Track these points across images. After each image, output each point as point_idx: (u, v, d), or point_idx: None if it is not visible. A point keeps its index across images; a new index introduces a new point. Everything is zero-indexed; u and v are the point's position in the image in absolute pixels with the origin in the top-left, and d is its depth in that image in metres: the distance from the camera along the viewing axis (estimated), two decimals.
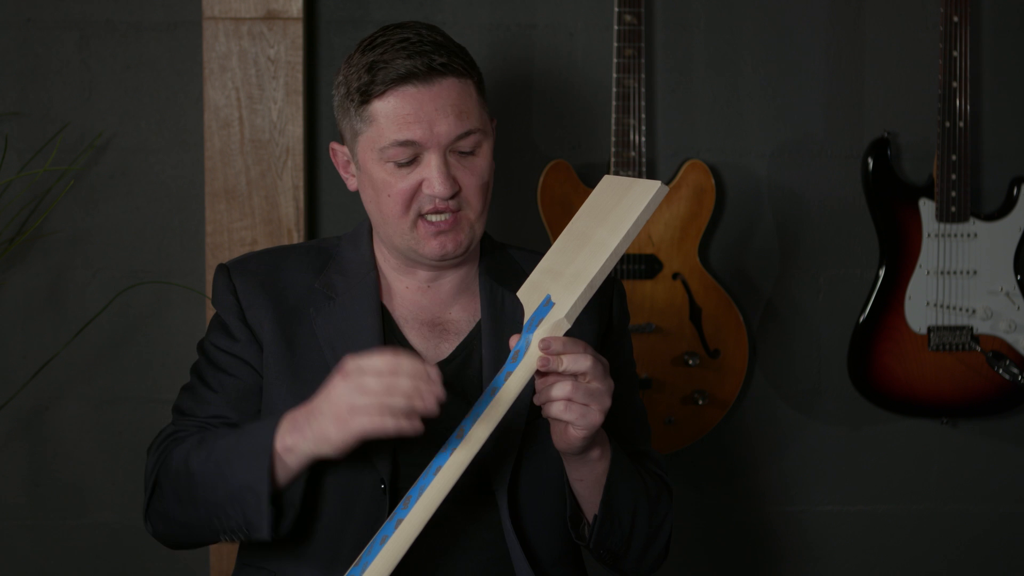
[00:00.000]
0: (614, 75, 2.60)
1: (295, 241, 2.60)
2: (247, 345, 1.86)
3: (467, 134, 1.81)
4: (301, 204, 2.61)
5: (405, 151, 1.79)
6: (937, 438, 2.83)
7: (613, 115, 2.61)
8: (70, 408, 2.71)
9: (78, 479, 2.73)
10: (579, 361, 1.65)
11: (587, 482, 1.79)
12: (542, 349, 1.65)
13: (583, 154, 2.71)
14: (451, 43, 1.84)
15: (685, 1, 2.71)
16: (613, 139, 2.61)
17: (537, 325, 1.67)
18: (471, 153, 1.82)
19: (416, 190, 1.81)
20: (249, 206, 2.61)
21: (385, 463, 1.79)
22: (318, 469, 1.78)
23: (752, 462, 2.82)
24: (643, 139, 2.61)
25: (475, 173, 1.82)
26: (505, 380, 1.65)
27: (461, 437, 1.64)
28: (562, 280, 1.69)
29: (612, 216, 1.67)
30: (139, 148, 2.68)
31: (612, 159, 2.61)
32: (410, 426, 1.60)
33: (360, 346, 1.83)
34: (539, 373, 1.68)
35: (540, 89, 2.71)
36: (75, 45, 2.66)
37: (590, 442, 1.73)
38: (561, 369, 1.65)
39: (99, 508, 2.73)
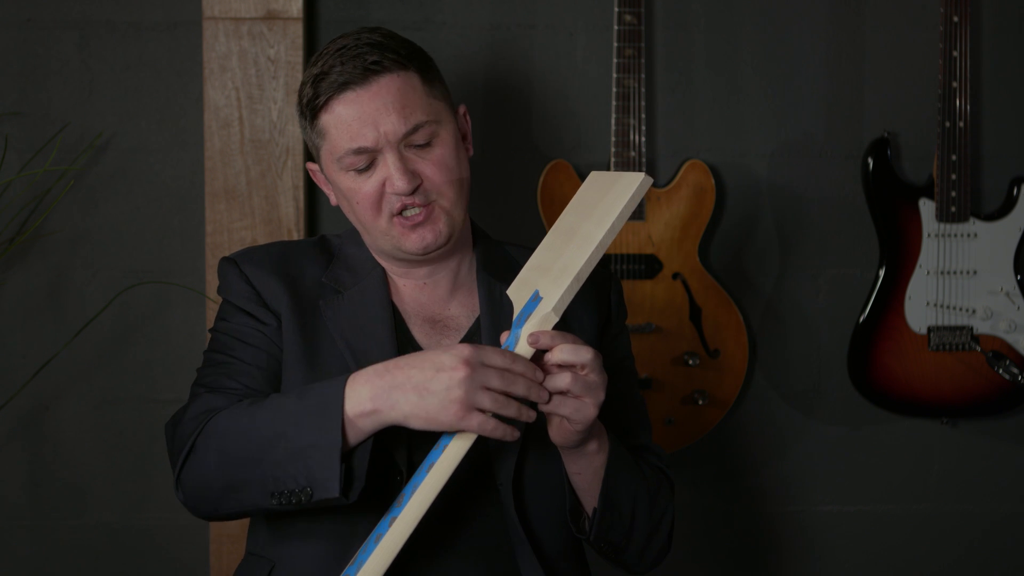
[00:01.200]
0: (614, 75, 2.60)
1: None
2: (277, 329, 1.86)
3: (415, 129, 1.81)
4: (301, 204, 2.61)
5: (360, 158, 1.81)
6: (937, 438, 2.83)
7: (613, 115, 2.61)
8: (70, 408, 2.71)
9: (78, 479, 2.73)
10: (580, 353, 1.65)
11: (585, 475, 1.80)
12: (530, 343, 1.65)
13: (583, 154, 2.71)
14: (391, 41, 1.84)
15: (685, 1, 2.71)
16: (613, 139, 2.61)
17: (526, 320, 1.67)
18: (427, 145, 1.82)
19: (381, 191, 1.82)
20: (249, 206, 2.61)
21: (402, 455, 1.79)
22: None
23: (752, 462, 2.82)
24: (643, 139, 2.61)
25: (436, 164, 1.83)
26: None
27: (453, 434, 1.65)
28: (550, 275, 1.69)
29: (598, 210, 1.68)
30: (139, 148, 2.68)
31: (612, 159, 2.61)
32: (512, 435, 1.64)
33: (373, 340, 1.84)
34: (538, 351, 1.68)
35: (540, 89, 2.71)
36: (75, 45, 2.66)
37: (586, 435, 1.73)
38: (556, 360, 1.65)
39: (99, 508, 2.73)
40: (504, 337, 1.70)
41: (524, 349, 1.65)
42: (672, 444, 2.70)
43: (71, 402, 2.71)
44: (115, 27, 2.66)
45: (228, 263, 1.90)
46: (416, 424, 1.64)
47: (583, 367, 1.66)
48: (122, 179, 2.69)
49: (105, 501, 2.73)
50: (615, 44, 2.59)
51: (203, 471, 1.74)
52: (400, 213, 1.83)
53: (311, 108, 1.83)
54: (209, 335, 1.92)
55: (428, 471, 1.64)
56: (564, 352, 1.65)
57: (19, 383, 2.67)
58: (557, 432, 1.73)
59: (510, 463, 1.82)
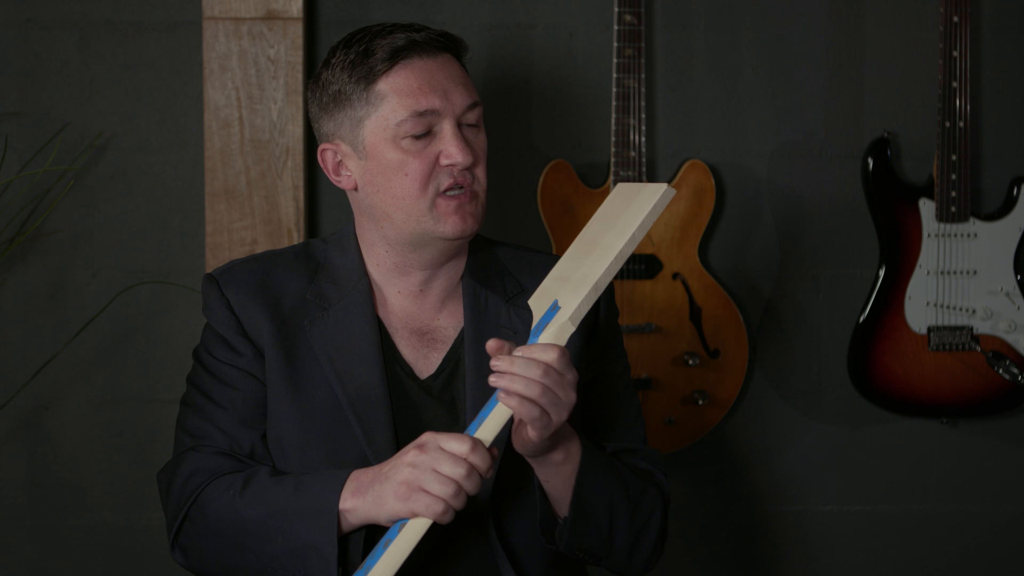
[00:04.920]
0: (614, 75, 2.60)
1: (295, 241, 2.60)
2: (253, 359, 1.83)
3: (475, 105, 1.82)
4: (301, 204, 2.61)
5: (424, 122, 1.78)
6: (937, 438, 2.83)
7: (613, 115, 2.61)
8: (70, 408, 2.71)
9: (78, 479, 2.73)
10: (529, 385, 1.63)
11: (554, 483, 1.77)
12: (490, 351, 1.64)
13: (583, 154, 2.71)
14: None
15: (685, 1, 2.71)
16: (613, 139, 2.61)
17: (543, 330, 1.67)
18: (476, 127, 1.83)
19: (434, 165, 1.79)
20: (249, 206, 2.61)
21: None
22: None
23: (752, 462, 2.82)
24: (643, 139, 2.61)
25: (479, 148, 1.83)
26: None
27: None
28: (569, 285, 1.69)
29: (620, 220, 1.68)
30: (139, 148, 2.68)
31: (612, 159, 2.61)
32: (449, 519, 1.63)
33: (359, 359, 1.81)
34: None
35: (540, 89, 2.71)
36: (75, 45, 2.66)
37: (549, 445, 1.70)
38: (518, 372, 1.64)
39: (99, 508, 2.73)
40: (492, 345, 1.69)
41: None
42: (672, 444, 2.70)
43: (71, 402, 2.71)
44: (115, 27, 2.66)
45: (210, 283, 1.87)
46: (379, 515, 1.66)
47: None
48: (122, 179, 2.69)
49: (105, 501, 2.73)
50: (615, 44, 2.59)
51: (202, 551, 1.78)
52: (445, 191, 1.80)
53: (368, 75, 1.78)
54: (193, 359, 1.91)
55: None
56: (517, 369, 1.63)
57: (19, 383, 2.67)
58: (517, 440, 1.70)
59: (488, 483, 1.79)
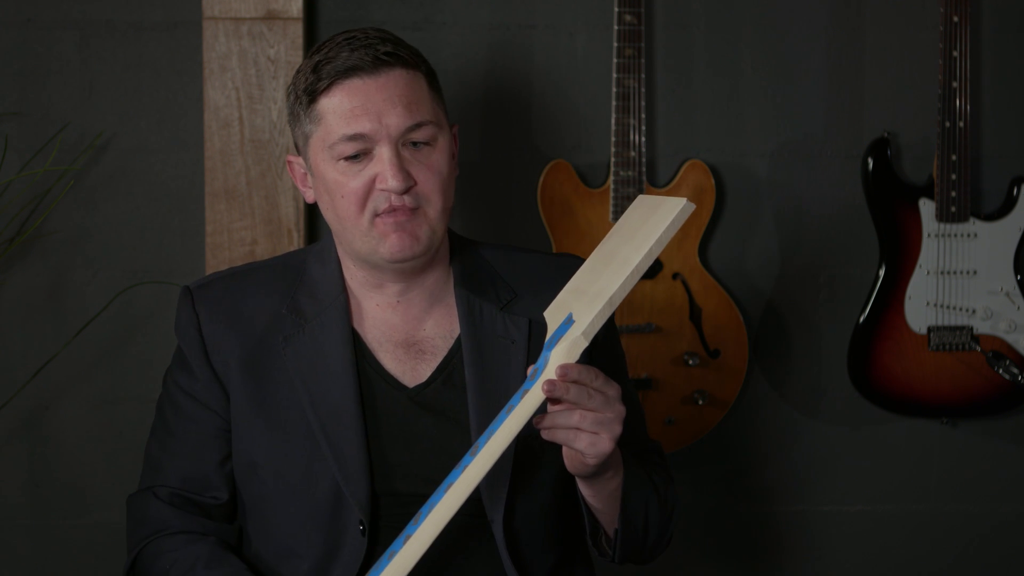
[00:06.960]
0: (614, 75, 2.60)
1: (295, 241, 2.60)
2: (207, 385, 1.83)
3: (418, 125, 1.75)
4: (301, 204, 2.61)
5: (355, 145, 1.74)
6: (937, 438, 2.83)
7: (613, 115, 2.61)
8: (70, 408, 2.71)
9: (78, 479, 2.73)
10: (582, 396, 1.62)
11: (600, 497, 1.77)
12: (559, 376, 1.60)
13: (583, 154, 2.71)
14: (401, 40, 1.80)
15: (685, 1, 2.71)
16: (613, 139, 2.61)
17: (556, 343, 1.66)
18: (426, 144, 1.76)
19: (370, 188, 1.75)
20: (249, 206, 2.61)
21: (364, 503, 1.77)
22: (297, 510, 1.79)
23: (752, 462, 2.82)
24: (643, 139, 2.61)
25: (431, 168, 1.76)
26: (521, 399, 1.64)
27: (474, 455, 1.63)
28: (585, 298, 1.68)
29: (639, 234, 1.67)
30: (139, 148, 2.68)
31: (612, 159, 2.61)
32: None
33: (332, 378, 1.79)
34: (551, 399, 1.64)
35: (540, 89, 2.71)
36: (75, 45, 2.66)
37: (603, 466, 1.70)
38: (567, 398, 1.62)
39: (99, 508, 2.73)
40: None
41: (552, 372, 1.64)
42: (672, 444, 2.70)
43: (71, 402, 2.71)
44: (115, 27, 2.66)
45: (185, 297, 1.88)
46: None
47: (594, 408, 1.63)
48: (122, 179, 2.69)
49: (105, 501, 2.73)
50: (615, 44, 2.59)
51: None
52: (382, 214, 1.76)
53: (310, 92, 1.76)
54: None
55: (446, 491, 1.63)
56: (572, 392, 1.62)
57: (19, 383, 2.67)
58: (572, 464, 1.70)
59: (500, 499, 1.79)
